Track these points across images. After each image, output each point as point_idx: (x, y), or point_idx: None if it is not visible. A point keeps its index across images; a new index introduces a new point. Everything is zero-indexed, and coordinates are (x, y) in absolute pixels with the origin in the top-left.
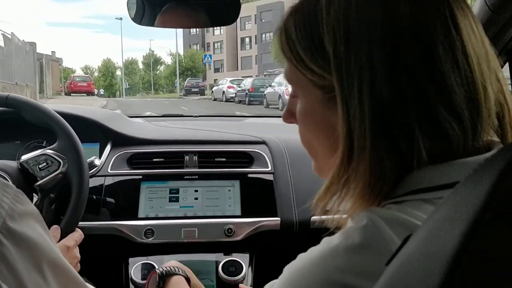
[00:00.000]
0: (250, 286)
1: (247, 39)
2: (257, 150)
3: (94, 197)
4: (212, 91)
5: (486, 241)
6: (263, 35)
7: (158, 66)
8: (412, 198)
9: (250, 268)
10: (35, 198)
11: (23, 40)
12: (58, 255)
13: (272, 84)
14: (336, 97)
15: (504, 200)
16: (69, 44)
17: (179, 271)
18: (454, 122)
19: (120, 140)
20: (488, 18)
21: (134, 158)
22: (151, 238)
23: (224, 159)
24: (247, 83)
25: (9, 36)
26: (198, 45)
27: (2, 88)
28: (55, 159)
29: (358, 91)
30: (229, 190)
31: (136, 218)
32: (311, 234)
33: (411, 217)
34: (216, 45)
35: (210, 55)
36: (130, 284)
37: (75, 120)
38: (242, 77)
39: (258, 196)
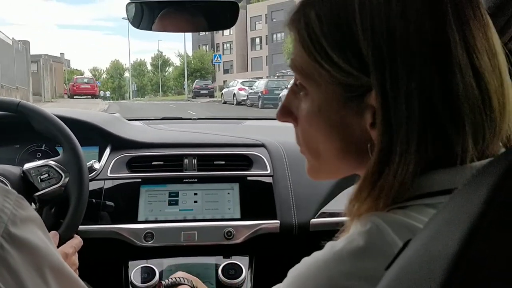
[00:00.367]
0: None
1: (257, 40)
2: (256, 153)
3: (94, 200)
4: (222, 93)
5: (485, 245)
6: (274, 35)
7: (167, 68)
8: (416, 203)
9: (249, 271)
10: (33, 207)
11: (13, 38)
12: (60, 261)
13: (289, 86)
14: (371, 100)
15: (503, 204)
16: (79, 46)
17: (185, 281)
18: (459, 128)
19: (119, 143)
20: None
21: (134, 161)
22: (150, 242)
23: (223, 162)
24: (259, 85)
25: None
26: (207, 46)
27: None
28: (57, 171)
29: (405, 96)
30: (229, 193)
31: (135, 221)
32: (311, 237)
33: (415, 222)
34: (225, 45)
35: (220, 55)
36: (130, 287)
37: (74, 124)
38: (252, 78)
39: (257, 199)
